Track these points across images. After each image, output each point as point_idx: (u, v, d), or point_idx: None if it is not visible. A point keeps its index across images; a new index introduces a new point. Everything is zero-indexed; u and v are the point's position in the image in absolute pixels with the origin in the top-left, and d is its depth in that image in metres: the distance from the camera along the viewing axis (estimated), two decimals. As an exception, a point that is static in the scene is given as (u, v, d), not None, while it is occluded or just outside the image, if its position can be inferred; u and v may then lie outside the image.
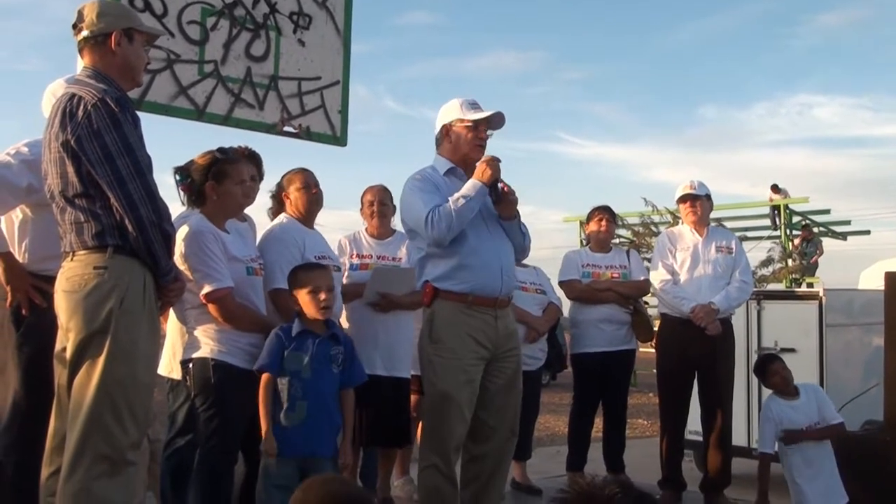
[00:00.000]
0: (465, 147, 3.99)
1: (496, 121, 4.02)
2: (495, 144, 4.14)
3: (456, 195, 3.80)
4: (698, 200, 5.41)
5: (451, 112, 4.01)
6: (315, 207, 4.47)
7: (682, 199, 5.45)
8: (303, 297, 3.62)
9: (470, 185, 3.83)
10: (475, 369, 3.87)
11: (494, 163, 3.87)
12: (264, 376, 3.50)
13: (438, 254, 3.90)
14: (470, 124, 3.97)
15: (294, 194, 4.43)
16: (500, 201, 3.90)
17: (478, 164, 3.89)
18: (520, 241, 4.13)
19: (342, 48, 5.69)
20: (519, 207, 4.03)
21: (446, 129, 4.03)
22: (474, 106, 4.00)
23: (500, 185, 3.88)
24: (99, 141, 2.94)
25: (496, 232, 4.00)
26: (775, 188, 18.94)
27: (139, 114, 4.68)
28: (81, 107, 2.96)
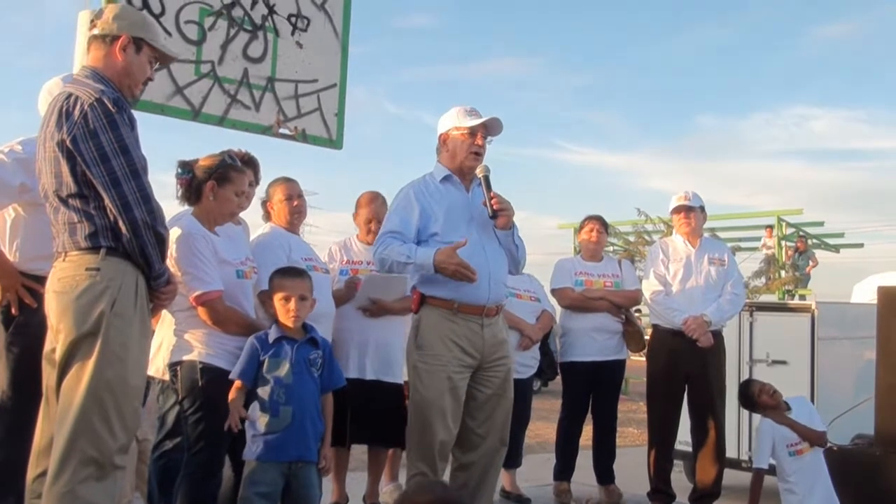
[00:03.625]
0: (461, 154, 3.97)
1: (494, 127, 4.00)
2: (492, 150, 4.07)
3: (412, 252, 3.77)
4: (692, 212, 5.42)
5: (449, 120, 4.01)
6: (297, 218, 4.52)
7: (677, 209, 5.45)
8: (276, 302, 3.62)
9: (424, 258, 3.75)
10: (460, 377, 3.86)
11: (463, 270, 3.73)
12: (236, 383, 3.48)
13: None
14: (466, 131, 3.95)
15: (277, 205, 4.48)
16: (495, 216, 3.86)
17: (451, 260, 3.72)
18: (513, 253, 4.10)
19: (340, 51, 5.67)
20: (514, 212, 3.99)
21: (444, 138, 4.03)
22: (472, 113, 3.98)
23: (492, 200, 3.82)
24: (94, 141, 2.92)
25: (488, 240, 3.97)
26: (770, 230, 18.95)
27: (134, 113, 4.73)
28: (78, 106, 2.94)
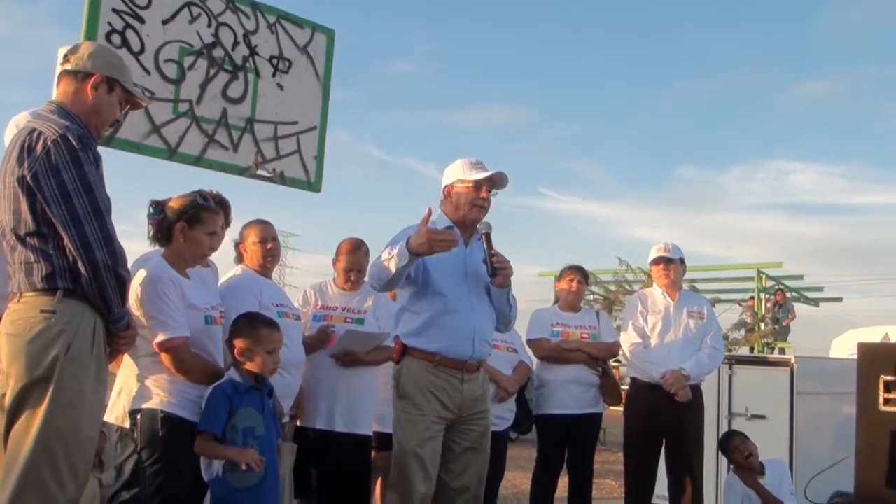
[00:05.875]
0: (464, 207, 3.92)
1: (500, 181, 3.97)
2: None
3: (391, 248, 3.62)
4: (672, 264, 5.37)
5: (454, 172, 3.97)
6: (270, 262, 4.42)
7: (656, 261, 5.41)
8: (261, 354, 3.48)
9: (400, 248, 3.57)
10: (437, 427, 3.80)
11: (436, 236, 3.52)
12: (204, 436, 3.32)
13: (413, 309, 3.85)
14: (471, 184, 3.91)
15: (250, 248, 4.39)
16: (495, 274, 3.79)
17: (422, 238, 3.51)
18: (505, 312, 4.05)
19: (321, 94, 5.65)
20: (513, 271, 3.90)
21: (448, 190, 3.99)
22: (477, 166, 3.95)
23: (492, 258, 3.77)
24: (56, 178, 2.82)
25: (477, 296, 3.92)
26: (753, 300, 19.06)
27: (109, 150, 4.65)
28: (41, 142, 2.85)
